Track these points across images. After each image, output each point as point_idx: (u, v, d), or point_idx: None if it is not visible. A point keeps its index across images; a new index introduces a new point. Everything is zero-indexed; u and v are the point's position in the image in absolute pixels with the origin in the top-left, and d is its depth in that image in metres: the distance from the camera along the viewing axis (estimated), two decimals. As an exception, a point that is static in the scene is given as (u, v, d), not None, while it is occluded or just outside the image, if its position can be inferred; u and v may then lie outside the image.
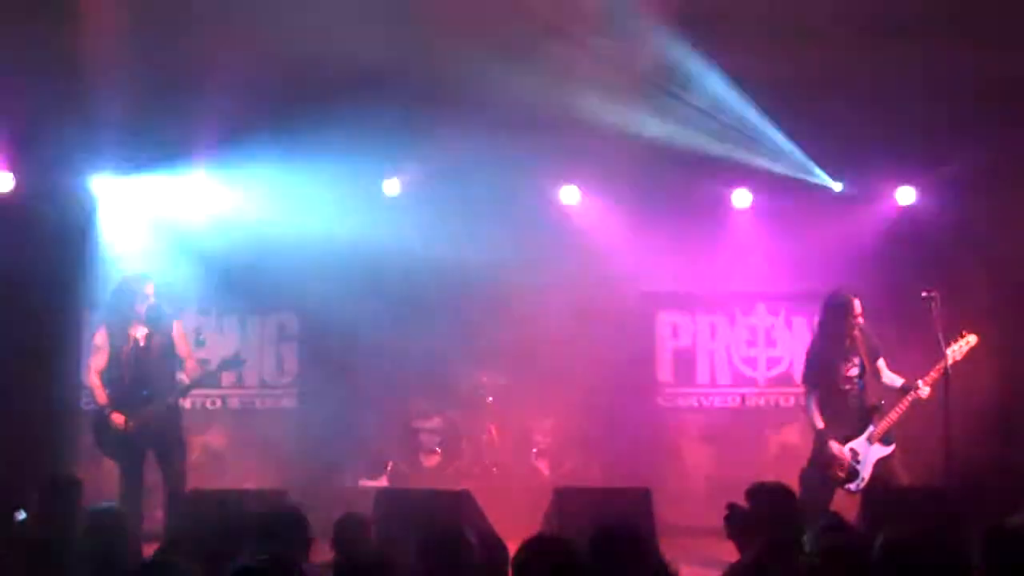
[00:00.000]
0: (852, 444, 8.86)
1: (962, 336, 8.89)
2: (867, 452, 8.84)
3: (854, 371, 8.99)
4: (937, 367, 8.76)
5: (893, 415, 8.88)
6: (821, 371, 9.04)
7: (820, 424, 8.92)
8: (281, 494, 8.04)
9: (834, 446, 8.81)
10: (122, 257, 10.59)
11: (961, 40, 9.40)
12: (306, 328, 11.68)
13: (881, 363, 9.10)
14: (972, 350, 8.90)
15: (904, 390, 8.89)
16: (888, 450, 8.85)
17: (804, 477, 8.83)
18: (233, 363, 9.33)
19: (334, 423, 11.44)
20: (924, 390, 8.80)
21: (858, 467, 8.81)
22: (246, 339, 11.62)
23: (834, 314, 9.03)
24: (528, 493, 9.98)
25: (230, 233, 11.07)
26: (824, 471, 8.83)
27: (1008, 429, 10.79)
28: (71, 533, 5.71)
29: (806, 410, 9.10)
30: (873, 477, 8.79)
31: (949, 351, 8.76)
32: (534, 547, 4.65)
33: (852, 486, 8.82)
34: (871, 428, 8.87)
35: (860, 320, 8.97)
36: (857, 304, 8.96)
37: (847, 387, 8.96)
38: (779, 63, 9.69)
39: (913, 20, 9.13)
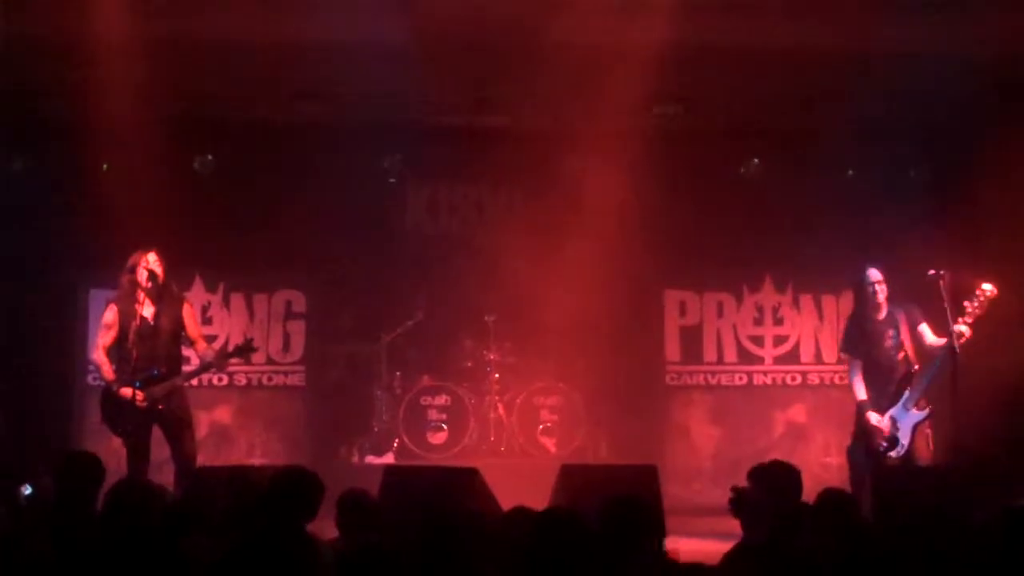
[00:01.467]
0: (891, 412, 8.84)
1: (982, 290, 8.67)
2: (904, 419, 8.82)
3: (889, 342, 8.97)
4: (972, 307, 8.59)
5: (926, 378, 8.83)
6: (859, 342, 9.04)
7: (861, 396, 8.92)
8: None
9: (872, 416, 8.80)
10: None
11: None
12: (313, 305, 11.69)
13: (924, 328, 9.01)
14: (992, 301, 8.66)
15: (948, 345, 8.65)
16: (923, 414, 8.80)
17: (850, 453, 8.94)
18: (245, 349, 9.29)
19: (341, 400, 11.48)
20: (962, 329, 8.57)
21: (897, 434, 8.79)
22: (253, 316, 11.63)
23: (858, 287, 9.10)
24: (535, 470, 9.97)
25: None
26: (867, 442, 8.82)
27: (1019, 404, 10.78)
28: (92, 509, 5.73)
29: (849, 383, 9.06)
30: (912, 442, 8.77)
31: (979, 294, 8.59)
32: (547, 520, 4.64)
33: (893, 454, 8.78)
34: (906, 394, 8.84)
35: (880, 287, 8.96)
36: (872, 273, 8.98)
37: (883, 358, 8.94)
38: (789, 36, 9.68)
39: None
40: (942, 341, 8.76)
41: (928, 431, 8.91)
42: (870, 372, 8.94)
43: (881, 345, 8.95)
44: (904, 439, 8.76)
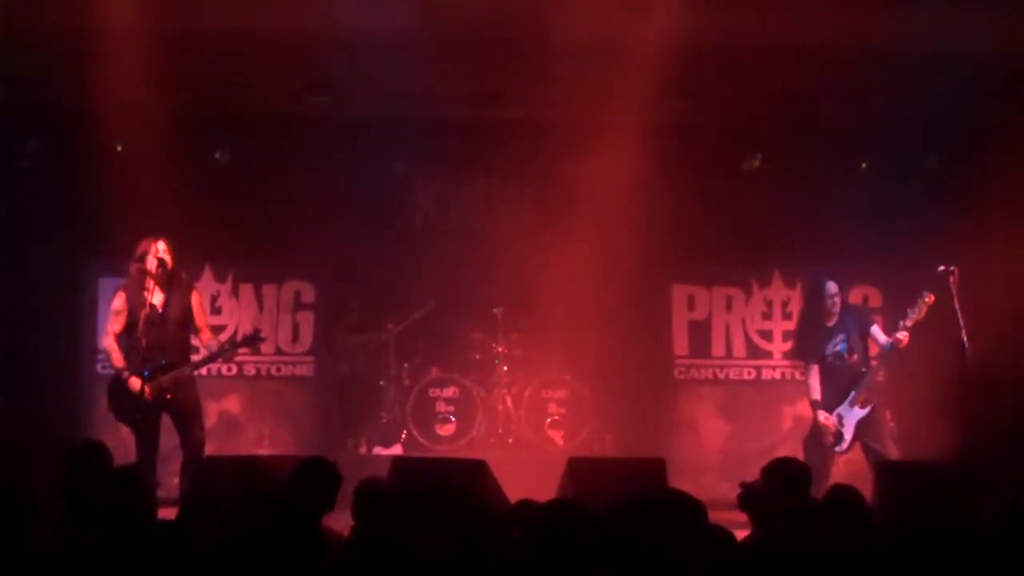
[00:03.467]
0: (838, 410, 9.56)
1: (922, 297, 9.31)
2: (848, 415, 9.53)
3: (839, 346, 9.61)
4: (909, 319, 9.30)
5: (870, 378, 9.59)
6: (810, 348, 9.75)
7: (814, 396, 9.66)
8: (297, 460, 8.05)
9: (820, 415, 9.57)
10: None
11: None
12: (322, 296, 11.71)
13: (874, 330, 9.71)
14: (929, 308, 9.28)
15: (891, 346, 9.45)
16: (865, 412, 9.52)
17: (805, 445, 9.65)
18: (253, 339, 9.31)
19: (349, 391, 11.50)
20: (902, 337, 9.34)
21: (842, 430, 9.53)
22: (262, 307, 11.65)
23: (813, 296, 9.80)
24: (542, 463, 9.97)
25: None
26: (819, 439, 9.54)
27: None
28: (99, 497, 5.74)
29: (806, 383, 9.77)
30: (854, 438, 9.50)
31: (920, 303, 9.27)
32: (554, 511, 4.65)
33: (838, 448, 9.56)
34: (852, 393, 9.53)
35: (836, 299, 9.63)
36: (831, 286, 9.62)
37: (834, 361, 9.60)
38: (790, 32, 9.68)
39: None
40: (888, 339, 9.47)
41: (891, 424, 9.71)
42: (822, 374, 9.65)
43: (832, 349, 9.62)
44: (848, 434, 9.52)
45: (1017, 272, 10.90)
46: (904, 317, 9.34)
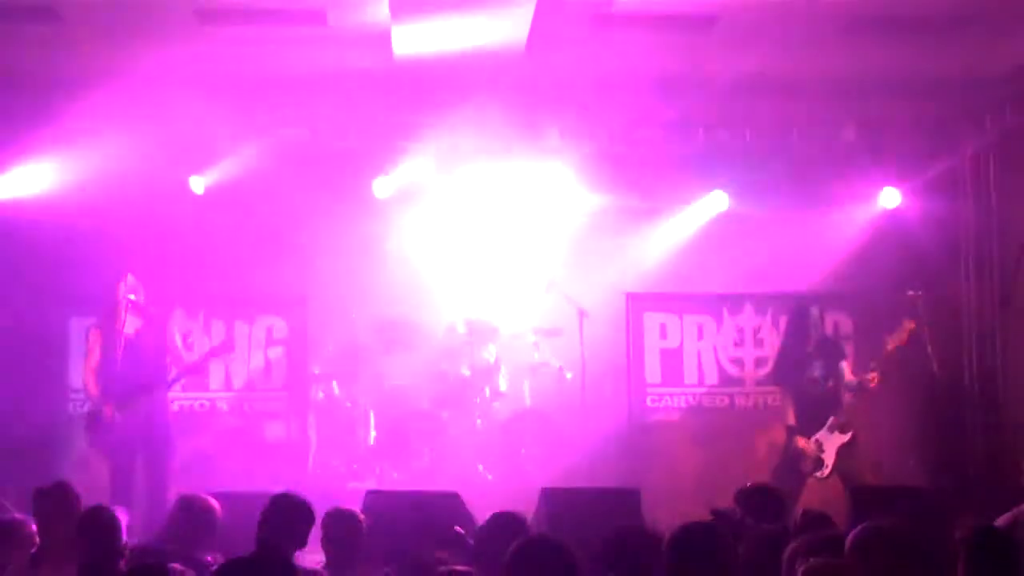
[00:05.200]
0: (817, 436, 9.66)
1: (901, 324, 9.58)
2: (828, 442, 9.63)
3: (817, 372, 9.78)
4: (880, 356, 9.62)
5: (848, 407, 9.75)
6: (790, 373, 9.89)
7: (790, 421, 9.78)
8: (267, 497, 8.04)
9: (800, 440, 9.65)
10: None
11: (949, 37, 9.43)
12: (294, 331, 11.69)
13: (843, 365, 9.86)
14: (911, 333, 9.55)
15: (860, 384, 9.68)
16: (846, 437, 9.64)
17: (777, 470, 9.78)
18: (222, 350, 9.45)
19: (323, 426, 11.47)
20: (872, 375, 9.62)
21: (822, 456, 9.59)
22: (234, 342, 11.61)
23: (797, 321, 9.97)
24: (516, 494, 9.97)
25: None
26: (794, 464, 9.64)
27: (996, 425, 10.87)
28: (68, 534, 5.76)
29: (781, 408, 9.99)
30: (835, 464, 9.59)
31: (890, 338, 9.58)
32: (529, 547, 4.65)
33: (818, 474, 9.64)
34: (831, 419, 9.65)
35: (818, 325, 9.88)
36: (814, 311, 9.87)
37: (811, 388, 9.74)
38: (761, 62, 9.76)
39: (898, 18, 9.15)
40: (854, 379, 9.70)
41: (858, 453, 9.75)
42: (800, 399, 9.76)
43: (811, 375, 9.76)
44: (828, 460, 9.58)
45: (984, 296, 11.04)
46: (881, 347, 9.53)
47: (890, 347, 9.53)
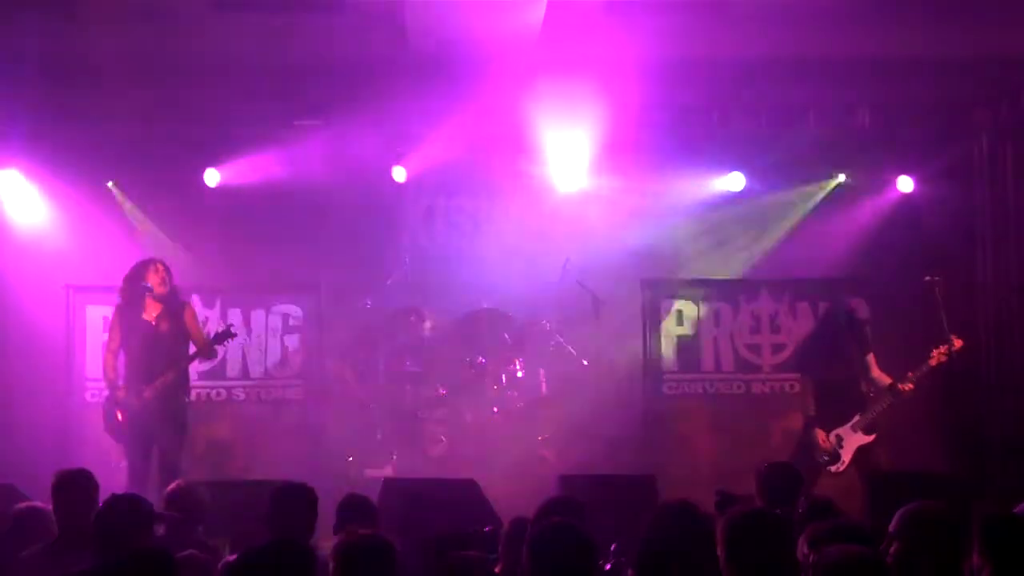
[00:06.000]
0: (837, 431, 9.45)
1: (947, 340, 9.32)
2: (849, 439, 9.42)
3: (846, 365, 9.55)
4: (921, 368, 9.40)
5: (877, 408, 9.51)
6: (816, 362, 9.67)
7: (811, 411, 9.54)
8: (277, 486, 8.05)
9: (819, 434, 9.44)
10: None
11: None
12: (311, 319, 11.70)
13: (870, 359, 9.61)
14: (957, 352, 9.34)
15: (891, 389, 9.46)
16: (869, 439, 9.45)
17: (792, 457, 9.29)
18: (224, 336, 9.49)
19: (339, 414, 11.48)
20: (907, 385, 9.42)
21: (840, 451, 9.40)
22: (250, 331, 11.63)
23: (837, 313, 9.74)
24: (534, 481, 9.98)
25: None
26: (809, 454, 9.42)
27: (1014, 412, 10.83)
28: (86, 522, 5.77)
29: (800, 395, 9.79)
30: (853, 461, 9.41)
31: (935, 352, 9.35)
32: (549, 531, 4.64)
33: (832, 468, 9.45)
34: (856, 417, 9.44)
35: (860, 319, 9.55)
36: (861, 307, 9.58)
37: (838, 379, 9.51)
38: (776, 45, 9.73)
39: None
40: (886, 381, 9.48)
41: (877, 450, 9.58)
42: (823, 390, 9.53)
43: (838, 367, 9.51)
44: (845, 457, 9.40)
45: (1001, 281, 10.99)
46: (925, 359, 9.36)
47: (932, 363, 9.36)
